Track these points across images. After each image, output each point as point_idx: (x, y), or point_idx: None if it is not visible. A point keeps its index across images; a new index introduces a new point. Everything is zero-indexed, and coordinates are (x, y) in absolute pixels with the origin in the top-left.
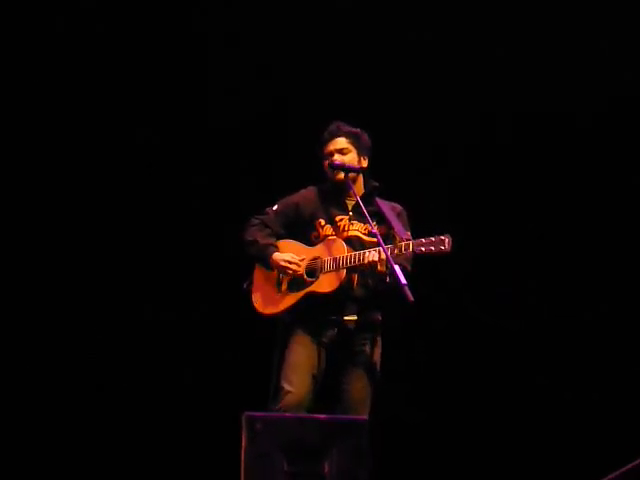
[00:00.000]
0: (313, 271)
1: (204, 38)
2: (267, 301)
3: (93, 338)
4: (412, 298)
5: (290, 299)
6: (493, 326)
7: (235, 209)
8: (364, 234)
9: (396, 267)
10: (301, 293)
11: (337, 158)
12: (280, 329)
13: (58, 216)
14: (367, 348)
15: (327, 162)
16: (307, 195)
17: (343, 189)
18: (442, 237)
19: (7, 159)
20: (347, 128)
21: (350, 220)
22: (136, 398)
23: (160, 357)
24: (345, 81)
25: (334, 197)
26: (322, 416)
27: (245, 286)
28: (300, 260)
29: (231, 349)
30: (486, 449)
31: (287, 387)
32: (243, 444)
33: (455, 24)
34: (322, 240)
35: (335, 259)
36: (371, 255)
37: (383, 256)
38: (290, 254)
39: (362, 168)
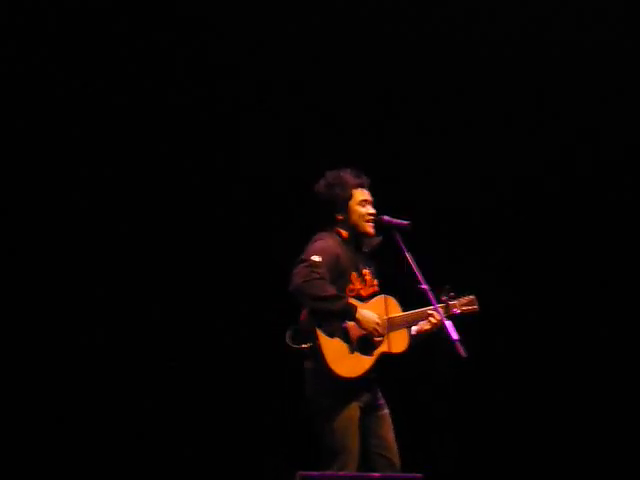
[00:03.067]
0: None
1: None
2: (345, 363)
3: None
4: (465, 354)
5: (366, 361)
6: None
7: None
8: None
9: (447, 322)
10: (376, 354)
11: (374, 212)
12: (329, 389)
13: (72, 219)
14: (383, 401)
15: (366, 213)
16: (338, 245)
17: (361, 240)
18: (471, 297)
19: (30, 163)
20: (368, 178)
21: (372, 274)
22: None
23: (213, 411)
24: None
25: (353, 248)
26: (376, 475)
27: (291, 342)
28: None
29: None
30: None
31: (347, 458)
32: None
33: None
34: (357, 294)
35: (407, 317)
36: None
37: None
38: (375, 314)
39: (409, 224)
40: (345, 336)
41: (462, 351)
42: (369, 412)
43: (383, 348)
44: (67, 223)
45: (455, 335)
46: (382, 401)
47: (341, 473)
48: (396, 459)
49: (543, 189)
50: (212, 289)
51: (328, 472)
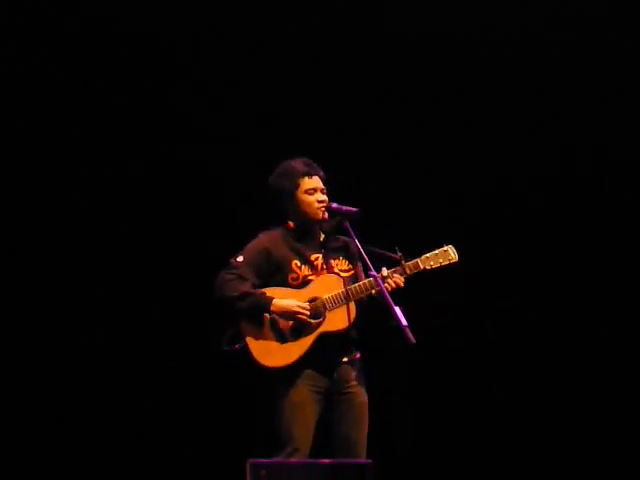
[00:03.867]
0: (316, 313)
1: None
2: (273, 354)
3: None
4: (414, 340)
5: (303, 344)
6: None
7: None
8: (341, 270)
9: (396, 308)
10: (313, 336)
11: (324, 199)
12: (276, 376)
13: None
14: (357, 388)
15: (316, 200)
16: (273, 238)
17: (313, 228)
18: (445, 248)
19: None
20: (317, 167)
21: (325, 258)
22: (142, 441)
23: (163, 403)
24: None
25: (301, 237)
26: (326, 461)
27: (226, 346)
28: (306, 306)
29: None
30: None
31: (295, 444)
32: None
33: None
34: (304, 281)
35: (339, 294)
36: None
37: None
38: (293, 300)
39: (357, 211)
40: (275, 327)
41: (411, 337)
42: (332, 398)
43: (322, 328)
44: (66, 223)
45: (404, 321)
46: (354, 389)
47: (291, 460)
48: (355, 449)
49: (541, 186)
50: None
51: (278, 459)
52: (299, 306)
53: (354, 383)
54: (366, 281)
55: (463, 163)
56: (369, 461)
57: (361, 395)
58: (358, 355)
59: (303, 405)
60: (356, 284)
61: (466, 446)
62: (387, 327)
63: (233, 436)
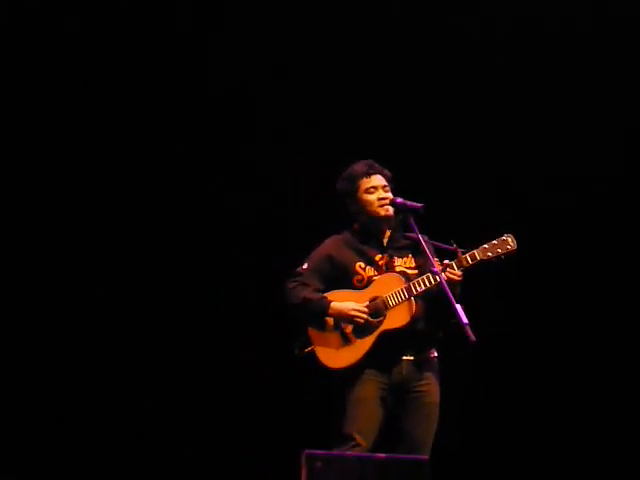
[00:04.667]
0: (377, 312)
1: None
2: (339, 356)
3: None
4: (474, 338)
5: (365, 344)
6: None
7: None
8: (407, 268)
9: (457, 306)
10: (375, 335)
11: (387, 197)
12: (344, 376)
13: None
14: (429, 387)
15: (377, 198)
16: (335, 244)
17: (377, 227)
18: (504, 237)
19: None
20: (379, 167)
21: (390, 257)
22: (196, 433)
23: (222, 390)
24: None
25: (366, 238)
26: (382, 455)
27: (297, 351)
28: (364, 307)
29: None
30: None
31: (358, 438)
32: None
33: None
34: (369, 282)
35: (399, 291)
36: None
37: (453, 277)
38: (352, 302)
39: (422, 206)
40: (339, 329)
41: (472, 336)
42: (398, 394)
43: (383, 327)
44: (65, 223)
45: (464, 319)
46: (424, 388)
47: (347, 453)
48: (417, 448)
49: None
50: (223, 289)
51: (334, 452)
52: (355, 309)
53: (425, 382)
54: (424, 277)
55: (521, 153)
56: (425, 457)
57: (432, 395)
58: (434, 354)
59: (367, 400)
60: (416, 279)
61: (519, 444)
62: (448, 325)
63: (298, 430)
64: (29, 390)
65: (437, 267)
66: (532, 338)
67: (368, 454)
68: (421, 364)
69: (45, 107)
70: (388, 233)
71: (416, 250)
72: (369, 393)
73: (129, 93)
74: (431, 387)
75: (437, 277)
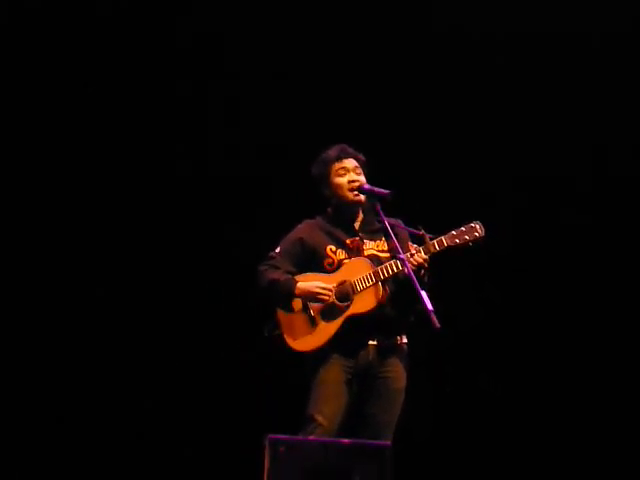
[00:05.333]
0: (344, 296)
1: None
2: (305, 339)
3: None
4: (439, 325)
5: (330, 328)
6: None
7: None
8: (379, 251)
9: (422, 293)
10: (340, 319)
11: (358, 179)
12: (310, 359)
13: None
14: (395, 373)
15: (347, 181)
16: (307, 228)
17: (349, 211)
18: (472, 224)
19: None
20: (352, 150)
21: (362, 240)
22: (161, 417)
23: (188, 377)
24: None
25: (338, 221)
26: (346, 441)
27: (267, 332)
28: (330, 287)
29: (259, 371)
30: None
31: (319, 419)
32: (266, 467)
33: None
34: (339, 265)
35: (367, 276)
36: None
37: (419, 260)
38: (317, 282)
39: (389, 193)
40: (306, 311)
41: (436, 322)
42: (364, 378)
43: (350, 311)
44: (63, 222)
45: (429, 306)
46: (390, 374)
47: (310, 438)
48: (379, 432)
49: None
50: (216, 282)
51: (297, 437)
52: (320, 287)
53: (391, 367)
54: (392, 262)
55: (495, 141)
56: (388, 443)
57: (397, 380)
58: (403, 339)
59: (330, 382)
60: (381, 266)
61: (484, 432)
62: (413, 311)
63: (261, 415)
64: (28, 390)
65: (403, 253)
66: (509, 328)
67: (332, 439)
68: (388, 349)
69: (41, 104)
70: (361, 217)
71: (388, 234)
72: (333, 376)
73: (128, 93)
74: (397, 373)
75: (402, 263)
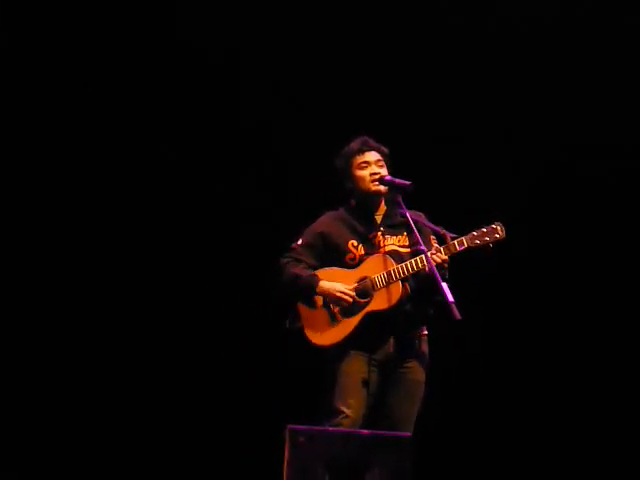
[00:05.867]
0: (365, 292)
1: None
2: (325, 334)
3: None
4: (459, 316)
5: (350, 324)
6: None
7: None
8: (400, 246)
9: (443, 284)
10: (360, 315)
11: (379, 172)
12: (332, 353)
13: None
14: (414, 365)
15: (369, 174)
16: (329, 221)
17: (371, 203)
18: (493, 225)
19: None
20: (374, 142)
21: (383, 235)
22: (180, 408)
23: (205, 367)
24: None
25: (360, 215)
26: (365, 432)
27: (288, 325)
28: (351, 289)
29: (276, 362)
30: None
31: (345, 411)
32: (286, 457)
33: None
34: (360, 260)
35: (387, 273)
36: (421, 261)
37: (438, 260)
38: (340, 284)
39: (410, 184)
40: (327, 307)
41: (457, 314)
42: (385, 370)
43: (369, 308)
44: (62, 221)
45: (450, 297)
46: (411, 365)
47: (330, 429)
48: (399, 424)
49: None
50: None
51: (317, 427)
52: (341, 291)
53: (411, 360)
54: (412, 260)
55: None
56: (408, 434)
57: (417, 373)
58: (423, 332)
59: (354, 374)
60: (401, 264)
61: (500, 425)
62: (433, 303)
63: (285, 406)
64: (27, 389)
65: (425, 247)
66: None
67: (351, 430)
68: (408, 342)
69: (37, 103)
70: (383, 210)
71: (410, 228)
72: (356, 368)
73: (126, 92)
74: (416, 366)
75: (424, 256)
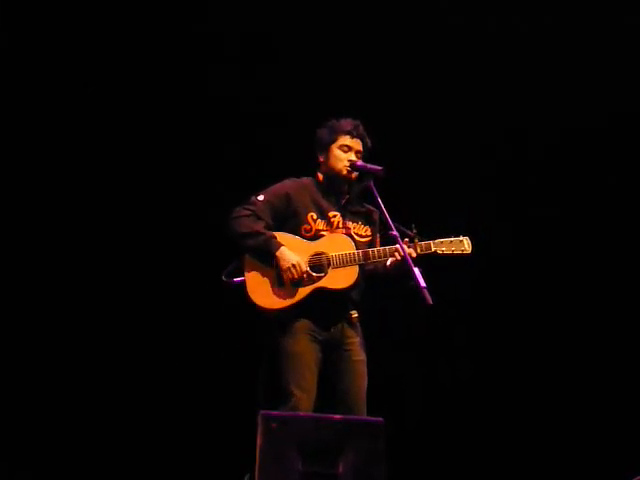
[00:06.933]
0: (319, 267)
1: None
2: (268, 295)
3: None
4: (431, 301)
5: (298, 294)
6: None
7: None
8: (357, 234)
9: (415, 270)
10: (310, 288)
11: (355, 159)
12: (275, 325)
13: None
14: (357, 345)
15: (344, 157)
16: (297, 186)
17: (338, 184)
18: (461, 238)
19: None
20: (364, 132)
21: (343, 217)
22: (151, 397)
23: (169, 357)
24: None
25: (324, 192)
26: (337, 416)
27: (225, 277)
28: (305, 265)
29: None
30: (497, 450)
31: (298, 393)
32: (258, 443)
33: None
34: (315, 234)
35: (351, 254)
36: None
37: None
38: (297, 258)
39: (382, 169)
40: (277, 271)
41: (428, 298)
42: (331, 353)
43: (321, 283)
44: (61, 221)
45: (422, 282)
46: (354, 347)
47: (302, 414)
48: (356, 406)
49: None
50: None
51: (290, 413)
52: (294, 265)
53: (354, 340)
54: (386, 248)
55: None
56: (381, 420)
57: (361, 353)
58: (356, 314)
59: (304, 354)
60: (376, 248)
61: (474, 410)
62: (405, 288)
63: (235, 387)
64: (27, 389)
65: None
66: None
67: (324, 415)
68: (349, 324)
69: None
70: (347, 196)
71: (369, 220)
72: (303, 347)
73: (126, 92)
74: (359, 345)
75: (397, 242)
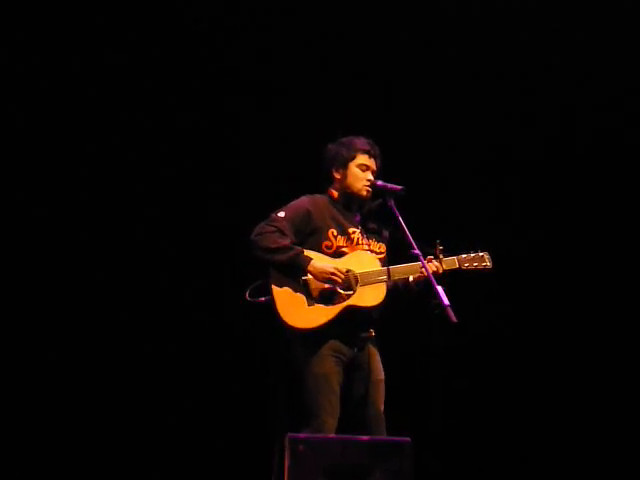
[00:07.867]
0: (347, 285)
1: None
2: (299, 314)
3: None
4: (455, 319)
5: (329, 312)
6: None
7: None
8: (373, 251)
9: (439, 288)
10: (340, 306)
11: (372, 179)
12: (299, 344)
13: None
14: (378, 365)
15: (362, 177)
16: (317, 203)
17: (355, 203)
18: (481, 254)
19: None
20: (378, 151)
21: (362, 234)
22: (175, 420)
23: (194, 379)
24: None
25: (343, 208)
26: (365, 437)
27: (250, 296)
28: (344, 270)
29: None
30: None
31: (323, 415)
32: (286, 465)
33: None
34: (337, 251)
35: (378, 272)
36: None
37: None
38: (331, 264)
39: (402, 189)
40: (305, 289)
41: (453, 317)
42: (353, 370)
43: (351, 301)
44: (61, 221)
45: (446, 301)
46: (374, 365)
47: (329, 436)
48: (380, 425)
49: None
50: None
51: (317, 435)
52: (337, 269)
53: (374, 359)
54: (411, 264)
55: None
56: (407, 439)
57: (381, 372)
58: (374, 333)
59: (328, 376)
60: (399, 265)
61: (497, 426)
62: (429, 306)
63: (257, 410)
64: (27, 389)
65: (417, 250)
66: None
67: (350, 436)
68: (370, 342)
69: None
70: (362, 213)
71: (381, 237)
72: (329, 368)
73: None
74: (379, 364)
75: (420, 260)
